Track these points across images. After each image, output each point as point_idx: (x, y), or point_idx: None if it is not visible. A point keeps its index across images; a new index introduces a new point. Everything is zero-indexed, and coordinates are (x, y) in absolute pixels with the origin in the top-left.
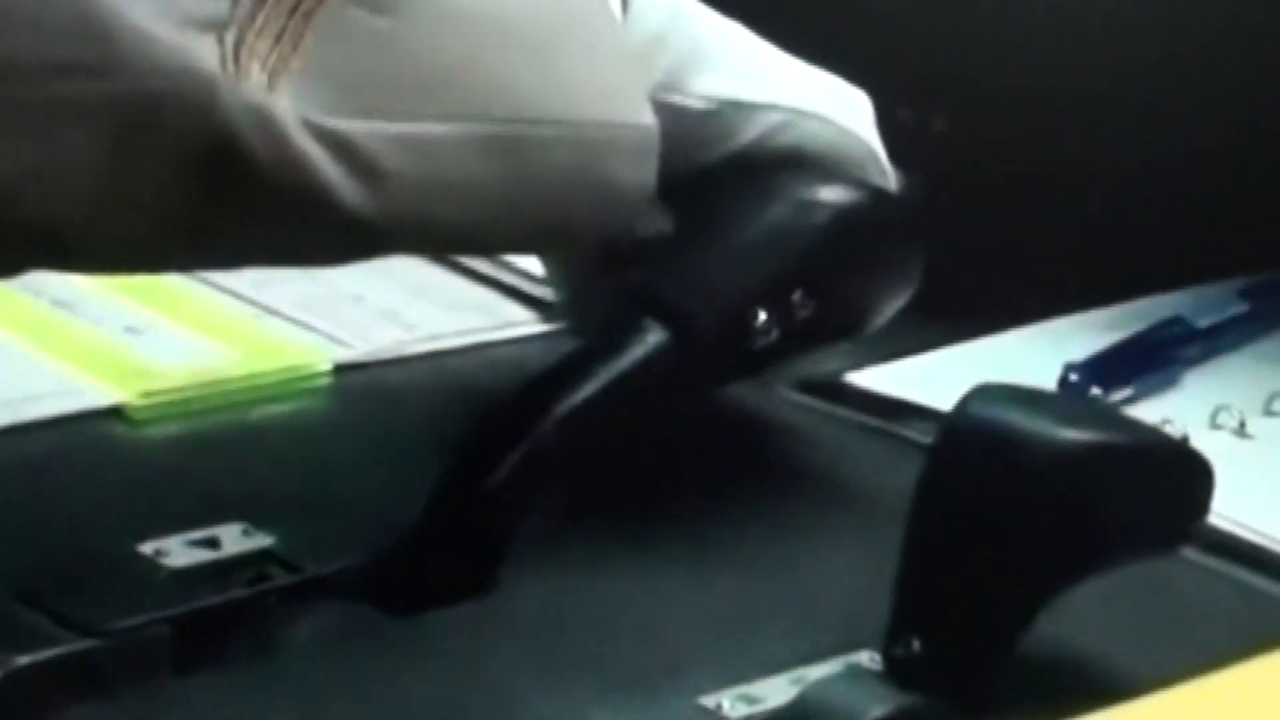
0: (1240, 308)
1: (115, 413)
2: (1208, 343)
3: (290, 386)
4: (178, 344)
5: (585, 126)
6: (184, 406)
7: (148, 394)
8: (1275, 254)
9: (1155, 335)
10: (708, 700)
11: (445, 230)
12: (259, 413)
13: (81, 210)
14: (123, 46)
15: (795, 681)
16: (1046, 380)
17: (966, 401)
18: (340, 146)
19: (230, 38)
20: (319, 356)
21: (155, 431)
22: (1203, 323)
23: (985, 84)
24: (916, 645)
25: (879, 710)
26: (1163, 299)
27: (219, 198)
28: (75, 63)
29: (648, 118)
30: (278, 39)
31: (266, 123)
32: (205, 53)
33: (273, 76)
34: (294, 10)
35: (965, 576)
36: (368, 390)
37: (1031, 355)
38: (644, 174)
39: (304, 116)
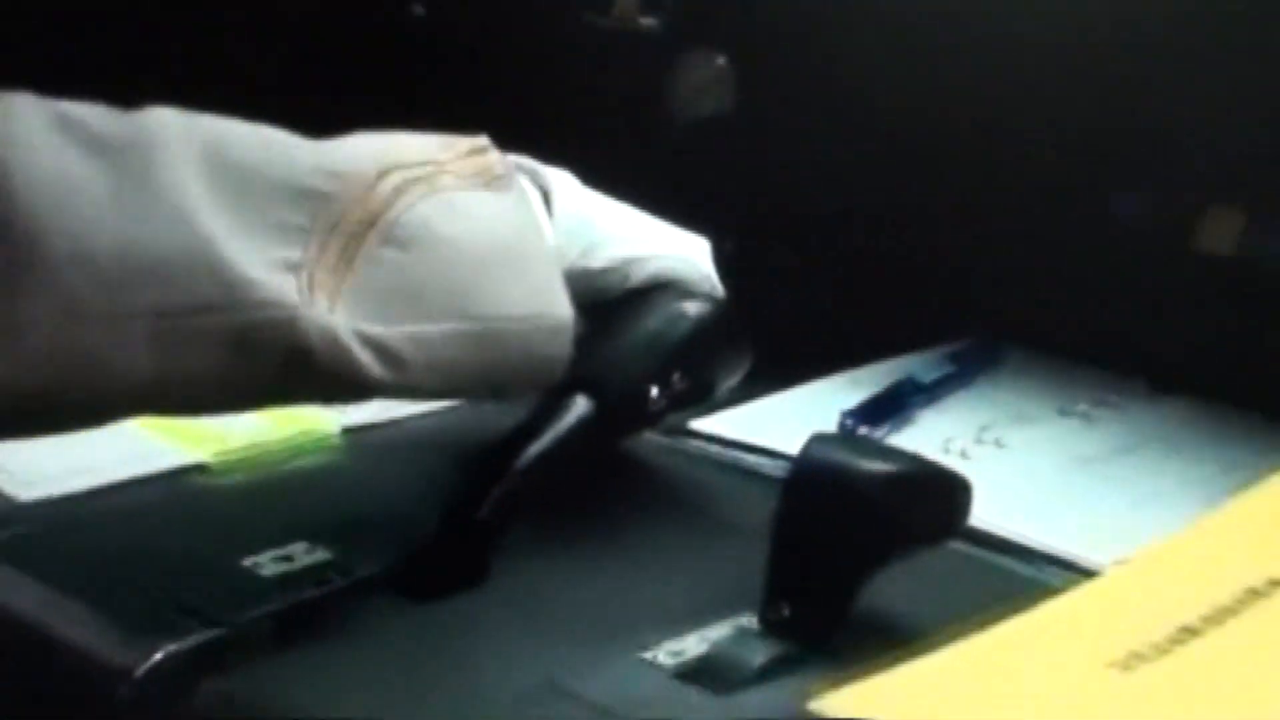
0: (950, 368)
1: (199, 468)
2: (932, 394)
3: (316, 444)
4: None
5: (525, 319)
6: (247, 462)
7: (221, 453)
8: (968, 328)
9: (896, 389)
10: (646, 655)
11: (433, 390)
12: (297, 463)
13: (209, 397)
14: (240, 289)
15: (703, 640)
16: (829, 423)
17: (809, 445)
18: (376, 346)
19: (304, 275)
20: (332, 421)
21: (228, 480)
22: (927, 380)
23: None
24: (786, 610)
25: (762, 657)
26: (897, 362)
27: (293, 385)
28: (209, 304)
29: (565, 309)
30: (334, 273)
31: (331, 336)
32: (289, 288)
33: (331, 299)
34: (344, 252)
35: (817, 562)
36: (370, 445)
37: (815, 405)
38: (562, 347)
39: (354, 327)
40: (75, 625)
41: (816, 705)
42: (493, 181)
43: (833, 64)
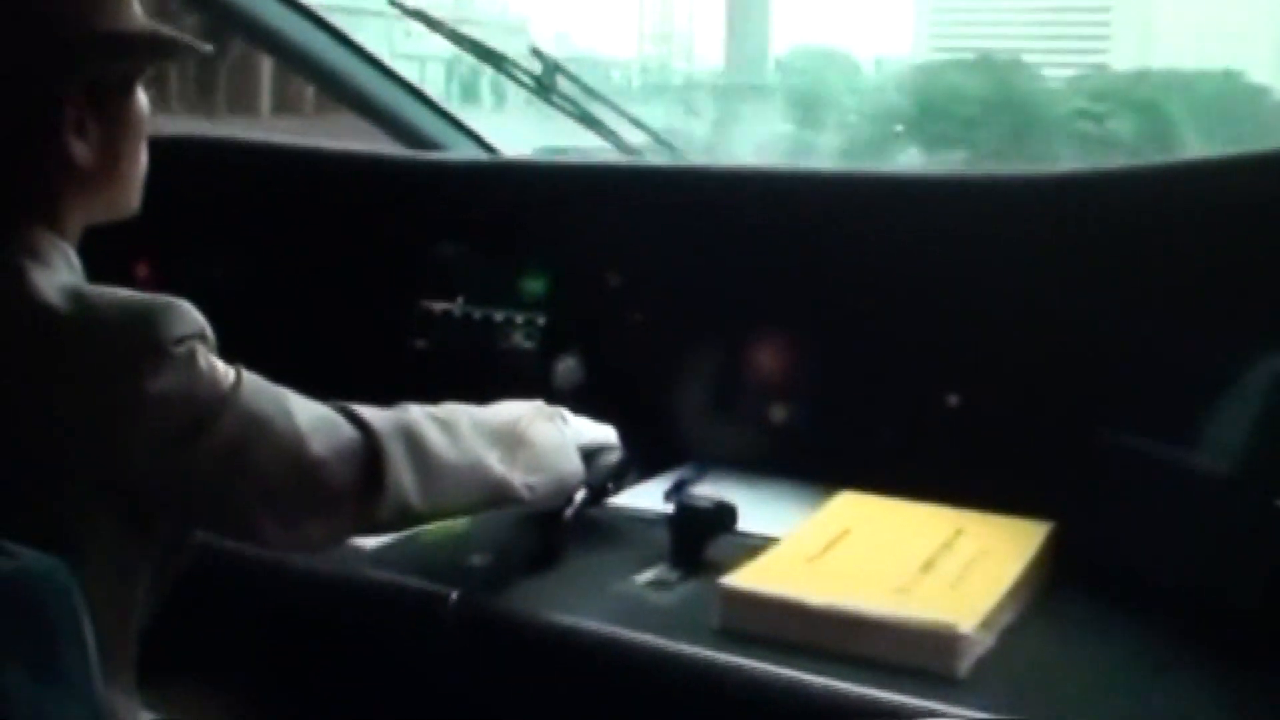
0: (691, 472)
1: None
2: (701, 476)
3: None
4: None
5: (575, 474)
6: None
7: None
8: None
9: (680, 482)
10: (633, 579)
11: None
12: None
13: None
14: (503, 485)
15: (653, 575)
16: (658, 496)
17: (682, 500)
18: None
19: (514, 467)
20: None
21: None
22: (697, 473)
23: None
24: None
25: (677, 577)
26: (676, 472)
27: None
28: (490, 497)
29: (579, 467)
30: (517, 462)
31: (518, 488)
32: (515, 478)
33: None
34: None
35: (689, 542)
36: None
37: (651, 492)
38: (579, 481)
39: (525, 481)
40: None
41: (726, 581)
42: (555, 416)
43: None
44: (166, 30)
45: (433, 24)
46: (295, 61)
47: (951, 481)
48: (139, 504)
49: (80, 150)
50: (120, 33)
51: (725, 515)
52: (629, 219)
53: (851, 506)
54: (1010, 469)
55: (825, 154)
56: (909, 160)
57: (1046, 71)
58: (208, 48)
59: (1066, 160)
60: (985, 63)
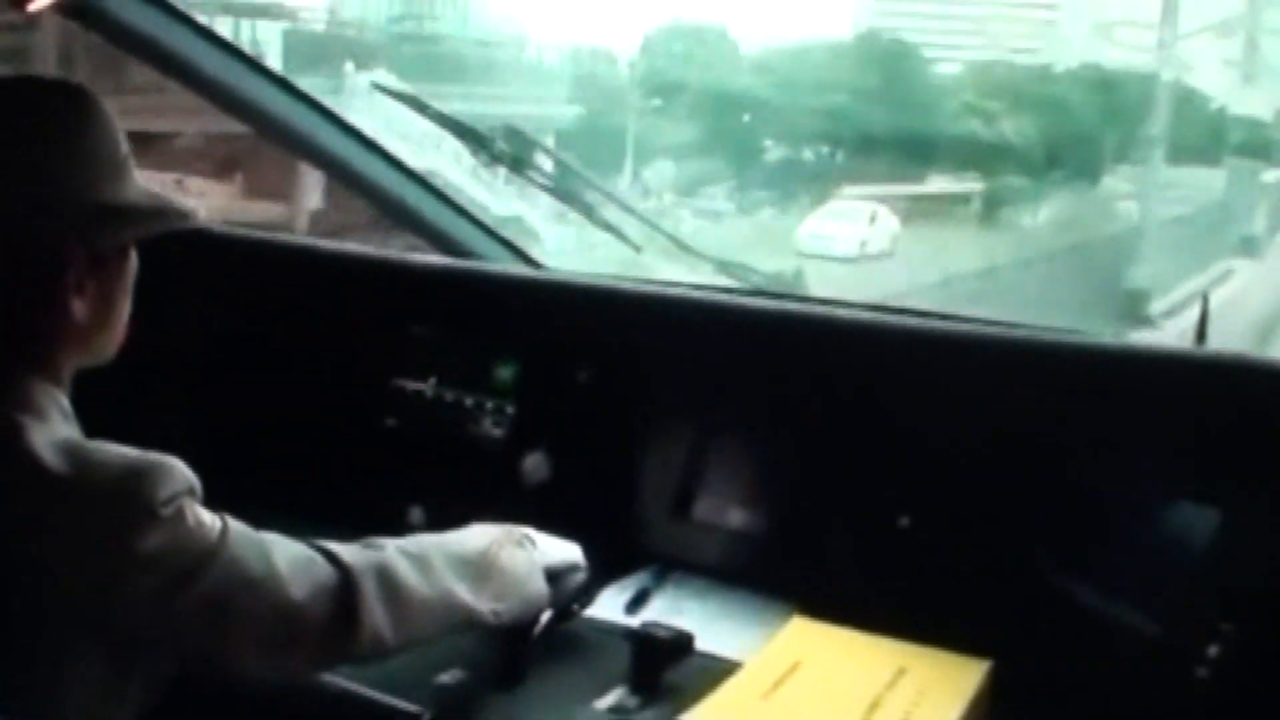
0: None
1: None
2: (661, 582)
3: None
4: None
5: (541, 595)
6: None
7: None
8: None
9: (641, 593)
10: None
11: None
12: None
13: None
14: (474, 614)
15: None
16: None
17: (641, 631)
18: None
19: (483, 593)
20: None
21: None
22: (656, 580)
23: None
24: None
25: (637, 702)
26: (634, 577)
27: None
28: (459, 622)
29: (545, 589)
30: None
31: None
32: (483, 606)
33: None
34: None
35: (648, 664)
36: None
37: (620, 594)
38: (545, 601)
39: (492, 608)
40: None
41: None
42: (523, 541)
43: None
44: (166, 200)
45: (421, 106)
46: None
47: (899, 602)
48: (125, 649)
49: (79, 308)
50: (123, 204)
51: (683, 644)
52: (600, 320)
53: (802, 636)
54: (953, 600)
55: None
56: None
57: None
58: (200, 214)
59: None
60: (868, 46)
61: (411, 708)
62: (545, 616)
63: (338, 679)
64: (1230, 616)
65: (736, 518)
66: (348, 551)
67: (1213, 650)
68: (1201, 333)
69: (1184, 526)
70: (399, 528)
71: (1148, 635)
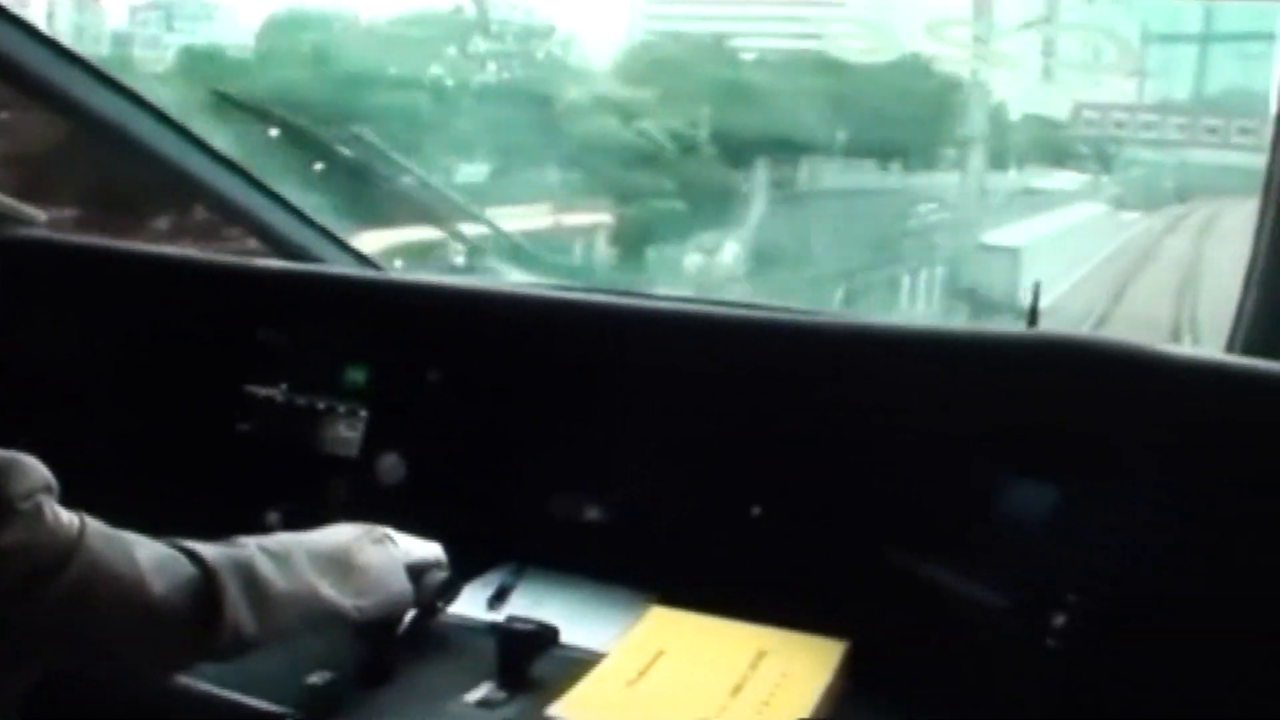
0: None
1: None
2: (520, 578)
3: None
4: None
5: (406, 592)
6: None
7: None
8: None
9: (501, 589)
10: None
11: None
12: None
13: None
14: (336, 607)
15: (481, 693)
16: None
17: (505, 625)
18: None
19: (347, 587)
20: None
21: None
22: (516, 576)
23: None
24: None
25: (505, 694)
26: (504, 570)
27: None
28: (322, 618)
29: (408, 586)
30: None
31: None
32: (346, 602)
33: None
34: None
35: (514, 660)
36: None
37: (481, 591)
38: (409, 599)
39: (356, 604)
40: None
41: (553, 713)
42: (383, 539)
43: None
44: (8, 204)
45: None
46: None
47: (756, 589)
48: None
49: None
50: None
51: (547, 637)
52: (448, 320)
53: (663, 625)
54: (808, 583)
55: None
56: None
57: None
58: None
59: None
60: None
61: (278, 709)
62: (410, 614)
63: (204, 683)
64: (1075, 587)
65: (593, 512)
66: (209, 549)
67: (1059, 620)
68: (1033, 316)
69: (1028, 503)
70: (257, 534)
71: (997, 609)
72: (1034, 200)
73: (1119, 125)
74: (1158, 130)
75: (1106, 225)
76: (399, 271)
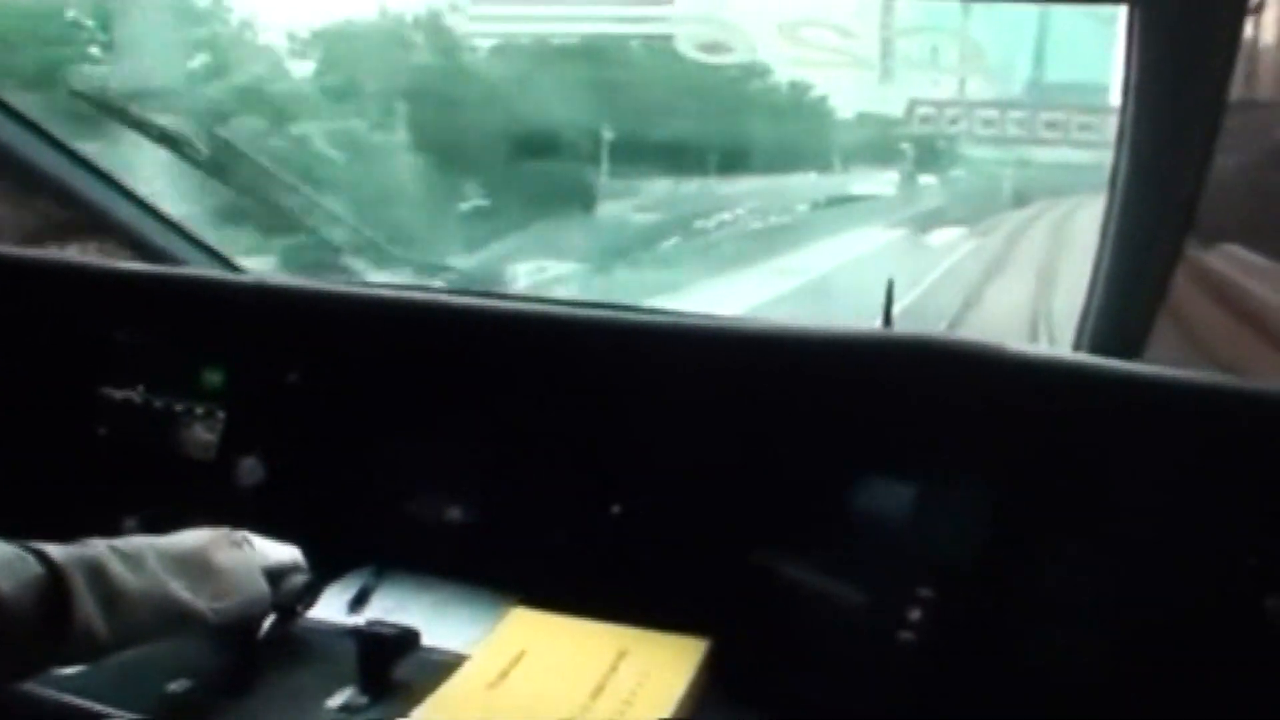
0: (372, 578)
1: None
2: (381, 581)
3: None
4: None
5: (265, 595)
6: None
7: None
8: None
9: (362, 591)
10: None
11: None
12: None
13: None
14: (187, 607)
15: (342, 699)
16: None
17: (365, 629)
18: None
19: (201, 593)
20: None
21: None
22: (377, 578)
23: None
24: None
25: (368, 700)
26: (365, 573)
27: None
28: (175, 617)
29: (265, 587)
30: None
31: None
32: (200, 604)
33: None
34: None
35: (376, 665)
36: None
37: (341, 595)
38: (266, 599)
39: (213, 606)
40: None
41: (416, 715)
42: (240, 542)
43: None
44: None
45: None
46: None
47: (617, 588)
48: None
49: None
50: None
51: (408, 640)
52: (306, 321)
53: (524, 626)
54: (668, 582)
55: None
56: None
57: None
58: None
59: None
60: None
61: (136, 718)
62: (269, 619)
63: (57, 690)
64: (928, 582)
65: (454, 513)
66: (57, 549)
67: (914, 615)
68: (887, 316)
69: (882, 500)
70: (114, 537)
71: (853, 605)
72: (845, 212)
73: (954, 122)
74: (996, 126)
75: (906, 247)
76: (258, 273)
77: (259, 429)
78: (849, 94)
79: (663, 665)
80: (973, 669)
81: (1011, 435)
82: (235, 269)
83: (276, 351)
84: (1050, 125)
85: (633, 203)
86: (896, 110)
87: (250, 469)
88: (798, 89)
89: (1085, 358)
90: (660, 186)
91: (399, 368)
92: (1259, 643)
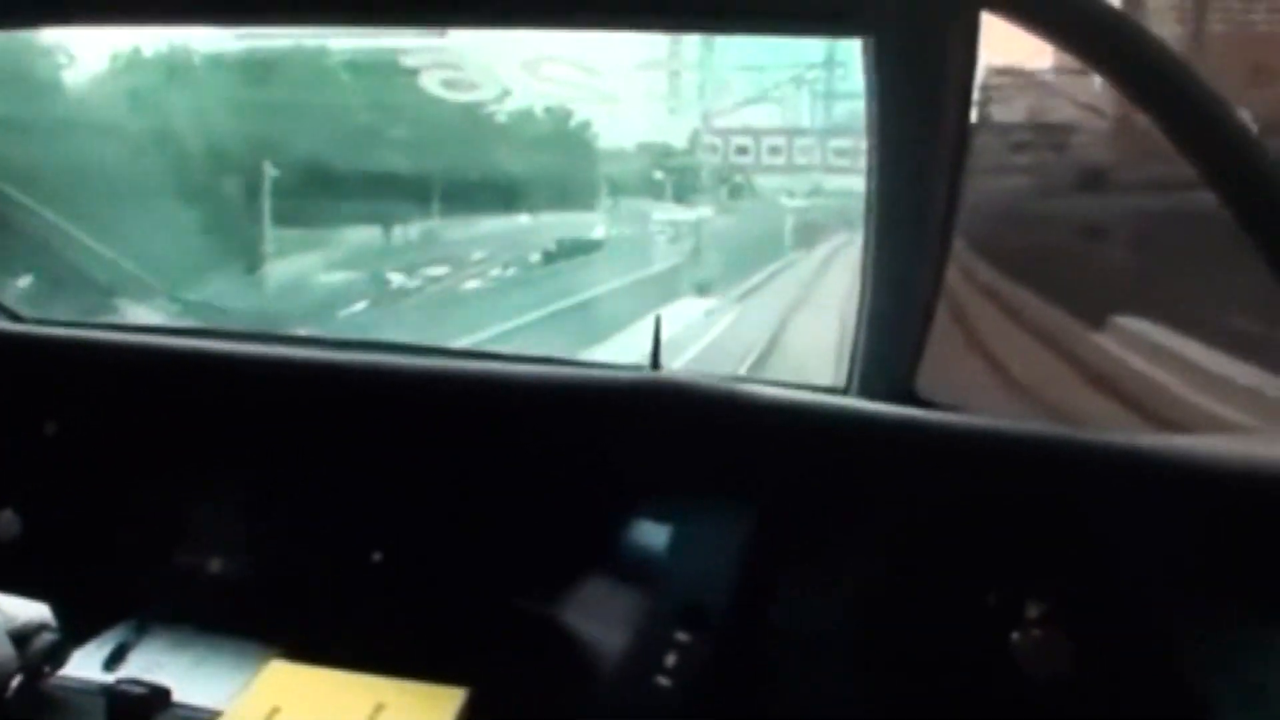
0: (134, 631)
1: None
2: (141, 636)
3: None
4: None
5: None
6: None
7: None
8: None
9: (123, 639)
10: None
11: None
12: None
13: None
14: None
15: None
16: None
17: (116, 687)
18: None
19: None
20: None
21: None
22: (136, 634)
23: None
24: None
25: None
26: (123, 628)
27: None
28: None
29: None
30: None
31: None
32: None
33: None
34: None
35: None
36: None
37: (99, 651)
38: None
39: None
40: None
41: None
42: None
43: None
44: None
45: None
46: None
47: (377, 638)
48: None
49: None
50: None
51: (158, 699)
52: (66, 370)
53: (280, 680)
54: (428, 631)
55: None
56: None
57: None
58: None
59: None
60: None
61: None
62: (16, 680)
63: None
64: (686, 627)
65: (215, 565)
66: None
67: (671, 660)
68: (655, 358)
69: (643, 547)
70: None
71: (613, 649)
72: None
73: (742, 150)
74: (783, 155)
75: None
76: (12, 321)
77: (15, 481)
78: (626, 126)
79: (420, 716)
80: (728, 713)
81: (759, 475)
82: (10, 314)
83: (34, 401)
84: (840, 153)
85: (322, 255)
86: (679, 141)
87: (6, 523)
88: (555, 117)
89: (819, 397)
90: (363, 234)
91: (159, 416)
92: (1005, 677)
